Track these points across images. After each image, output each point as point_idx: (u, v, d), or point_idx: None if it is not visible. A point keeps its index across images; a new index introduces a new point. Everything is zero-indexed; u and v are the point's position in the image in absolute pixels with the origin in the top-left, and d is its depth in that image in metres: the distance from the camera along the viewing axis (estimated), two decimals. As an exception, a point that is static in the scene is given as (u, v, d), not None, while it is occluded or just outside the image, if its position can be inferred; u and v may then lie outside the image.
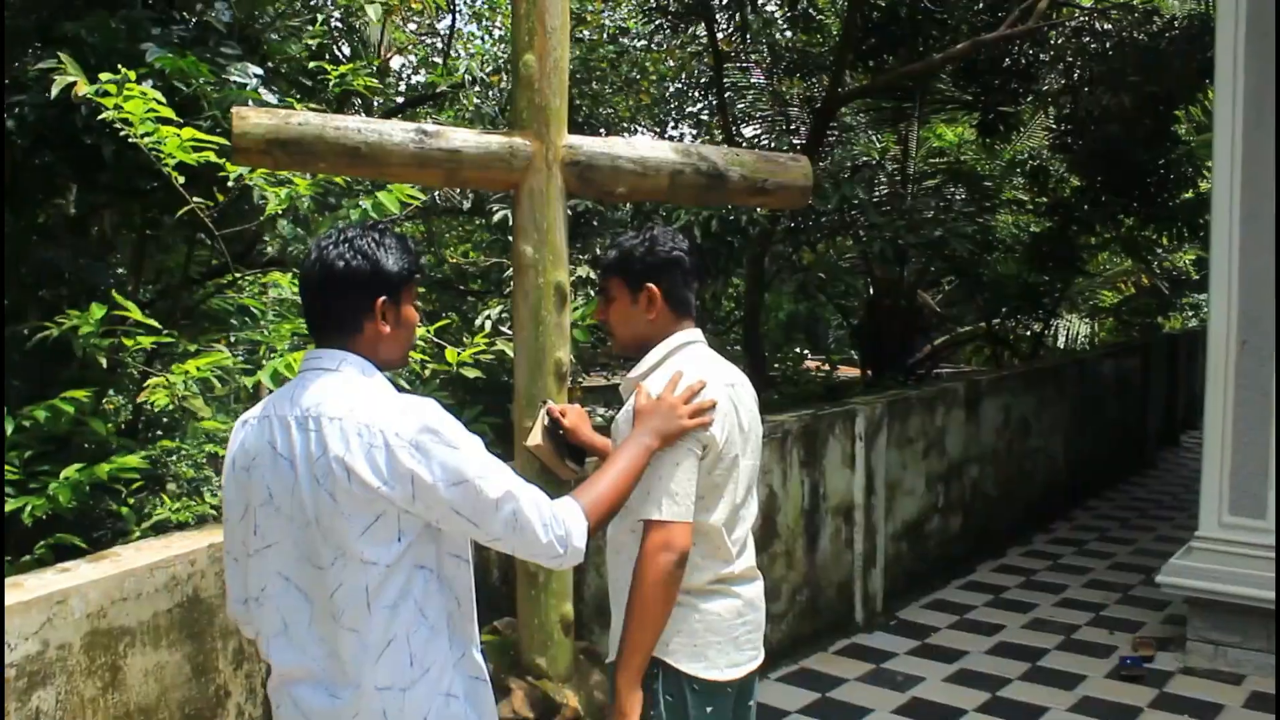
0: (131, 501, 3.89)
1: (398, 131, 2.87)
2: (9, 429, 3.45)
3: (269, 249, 6.51)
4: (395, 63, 12.02)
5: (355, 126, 2.84)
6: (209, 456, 4.47)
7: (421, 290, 5.57)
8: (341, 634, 1.90)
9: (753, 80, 10.66)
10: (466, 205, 8.09)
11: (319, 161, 2.87)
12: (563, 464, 2.85)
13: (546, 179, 2.99)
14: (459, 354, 4.32)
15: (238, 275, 5.63)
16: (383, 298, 1.98)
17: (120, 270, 8.61)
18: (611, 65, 9.97)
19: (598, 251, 2.41)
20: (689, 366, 2.37)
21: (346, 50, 10.23)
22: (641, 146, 3.14)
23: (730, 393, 2.39)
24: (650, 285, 2.42)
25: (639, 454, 2.20)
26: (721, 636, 2.38)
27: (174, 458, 4.70)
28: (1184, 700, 4.72)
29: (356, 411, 1.88)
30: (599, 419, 10.24)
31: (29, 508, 3.25)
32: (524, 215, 3.02)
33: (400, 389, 4.67)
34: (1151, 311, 12.94)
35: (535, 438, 2.83)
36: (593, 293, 6.11)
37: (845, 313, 11.82)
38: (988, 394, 6.99)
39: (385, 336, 2.01)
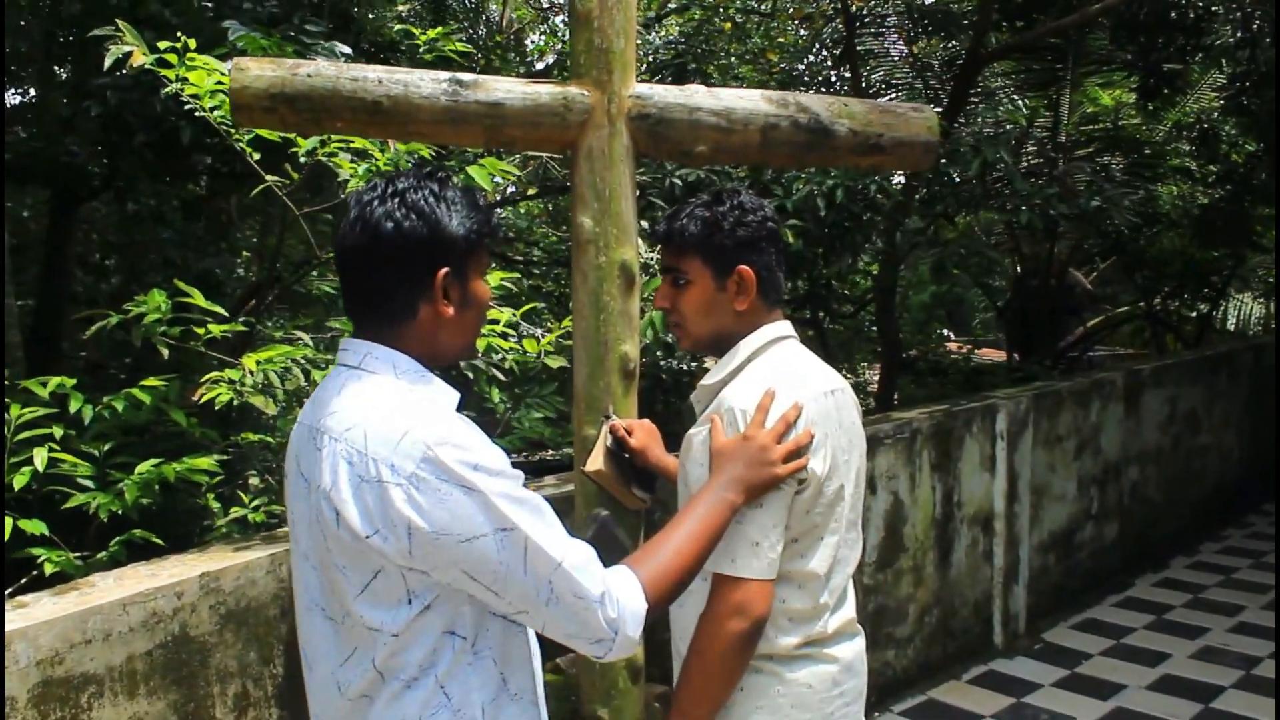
0: (211, 497, 3.64)
1: (427, 83, 2.40)
2: (87, 417, 3.24)
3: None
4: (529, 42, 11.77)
5: (376, 78, 2.38)
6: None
7: (505, 266, 5.13)
8: (355, 704, 1.49)
9: (887, 45, 9.95)
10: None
11: (334, 120, 2.42)
12: (629, 491, 2.34)
13: (609, 136, 2.49)
14: (540, 342, 3.90)
15: (328, 256, 5.39)
16: (445, 270, 1.53)
17: (246, 253, 8.54)
18: (737, 28, 9.40)
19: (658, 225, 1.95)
20: (782, 373, 1.86)
21: (482, 31, 10.05)
22: (727, 96, 2.59)
23: (831, 403, 1.87)
24: (743, 267, 1.92)
25: (717, 512, 1.71)
26: (811, 714, 1.87)
27: (265, 449, 4.48)
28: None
29: (354, 431, 1.44)
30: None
31: (96, 504, 3.02)
32: (582, 181, 2.52)
33: (510, 388, 4.31)
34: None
35: (596, 461, 2.32)
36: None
37: (991, 293, 11.03)
38: (1150, 385, 6.19)
39: (448, 321, 1.56)
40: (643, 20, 9.06)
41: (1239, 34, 8.21)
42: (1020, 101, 9.72)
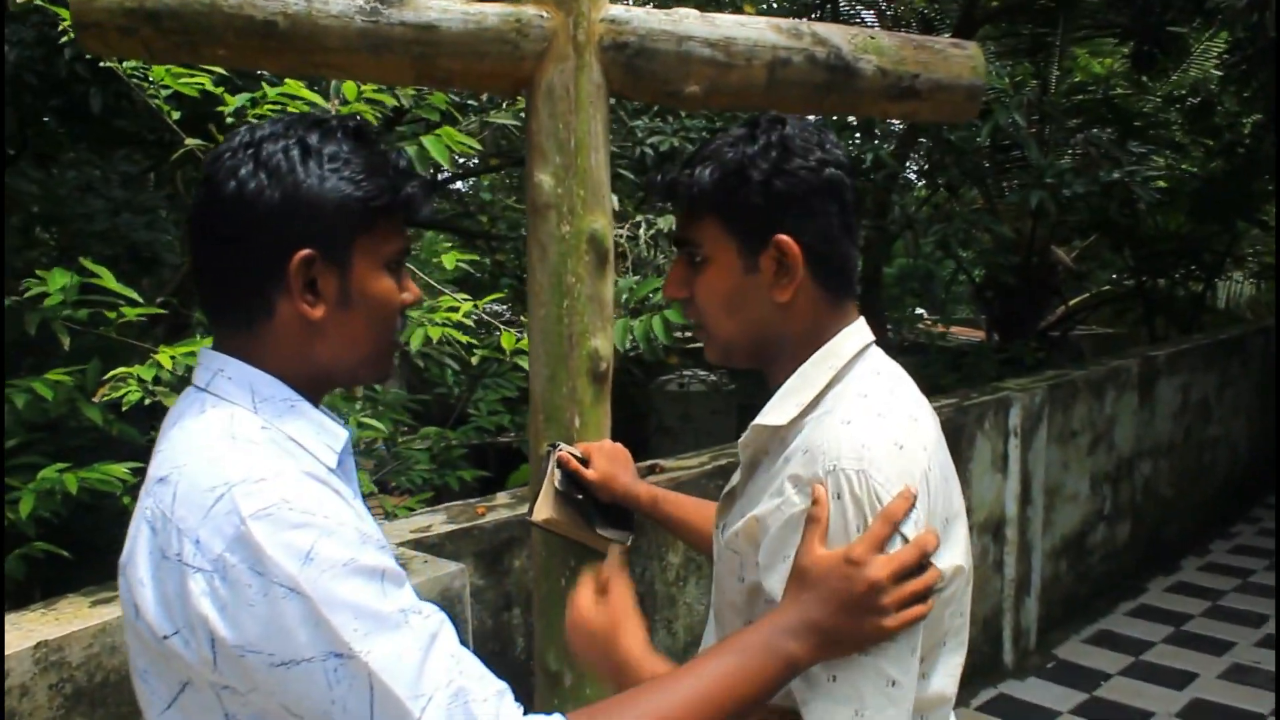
0: (129, 500, 3.12)
1: (338, -3, 1.83)
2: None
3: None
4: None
5: (270, -12, 1.81)
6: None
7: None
8: None
9: (858, 10, 9.47)
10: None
11: (214, 45, 1.83)
12: (594, 534, 1.77)
13: (575, 70, 1.93)
14: (517, 338, 3.39)
15: None
16: (304, 252, 1.08)
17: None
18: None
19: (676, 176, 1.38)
20: (893, 415, 1.23)
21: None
22: (725, 23, 2.04)
23: (942, 442, 1.31)
24: (782, 237, 1.27)
25: (764, 668, 1.12)
26: None
27: None
28: None
29: (165, 484, 1.02)
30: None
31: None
32: (540, 128, 1.95)
33: (465, 369, 3.84)
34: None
35: (544, 508, 1.73)
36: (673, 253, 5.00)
37: (968, 269, 10.57)
38: (1165, 372, 5.72)
39: (318, 325, 1.08)
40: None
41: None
42: (1003, 68, 9.26)
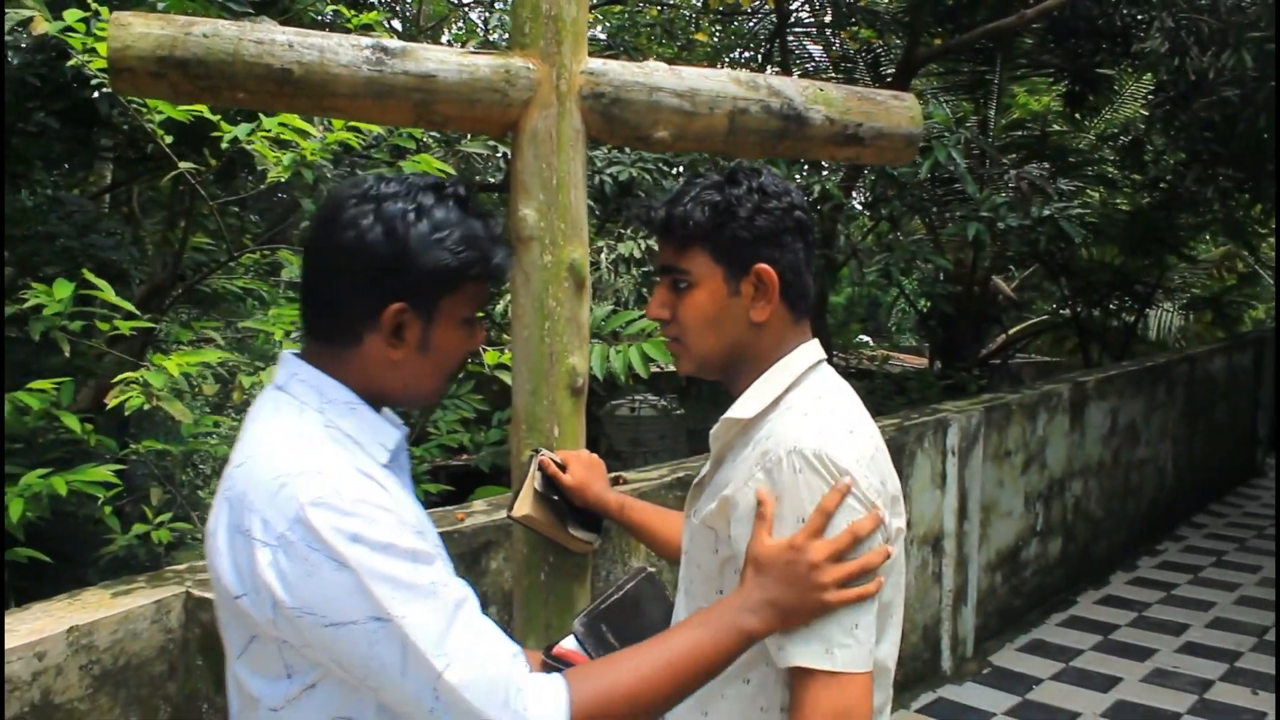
0: (109, 511, 3.27)
1: (346, 49, 2.04)
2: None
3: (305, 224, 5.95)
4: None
5: (285, 40, 2.02)
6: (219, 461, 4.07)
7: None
8: None
9: (808, 48, 9.80)
10: (498, 178, 7.18)
11: (235, 90, 2.04)
12: (566, 533, 2.00)
13: (557, 116, 2.15)
14: (500, 354, 3.62)
15: (241, 252, 5.07)
16: (398, 305, 1.27)
17: (152, 246, 8.04)
18: (664, 29, 9.17)
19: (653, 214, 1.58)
20: (841, 410, 1.48)
21: (398, 25, 9.67)
22: (690, 75, 2.28)
23: (883, 445, 1.52)
24: (763, 266, 1.52)
25: (723, 640, 1.34)
26: None
27: (166, 460, 4.13)
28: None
29: (242, 468, 1.22)
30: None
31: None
32: (525, 167, 2.17)
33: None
34: (1251, 301, 11.82)
35: (523, 505, 1.96)
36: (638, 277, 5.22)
37: (911, 298, 10.93)
38: (1094, 397, 6.03)
39: (396, 363, 1.28)
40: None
41: (1167, 45, 8.14)
42: (946, 105, 9.62)
